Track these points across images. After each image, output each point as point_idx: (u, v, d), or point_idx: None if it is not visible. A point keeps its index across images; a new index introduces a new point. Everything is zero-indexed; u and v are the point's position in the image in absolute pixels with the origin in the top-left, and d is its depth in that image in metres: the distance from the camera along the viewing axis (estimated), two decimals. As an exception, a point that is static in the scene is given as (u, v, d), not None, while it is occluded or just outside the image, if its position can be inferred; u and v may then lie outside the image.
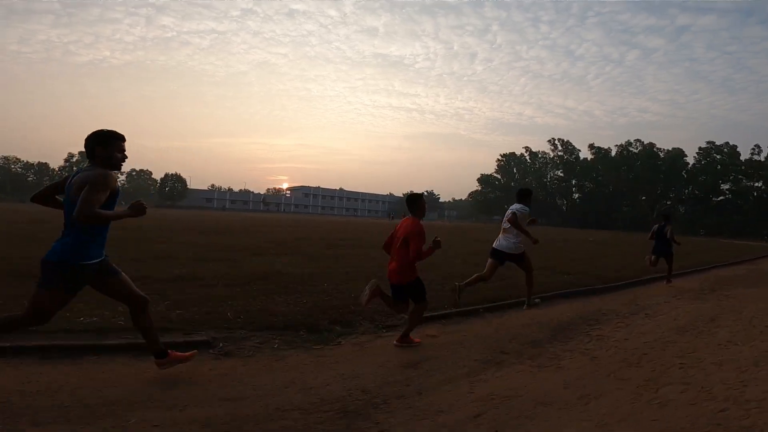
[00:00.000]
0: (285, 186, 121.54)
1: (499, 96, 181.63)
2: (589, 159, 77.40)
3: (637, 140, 69.87)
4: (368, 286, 4.12)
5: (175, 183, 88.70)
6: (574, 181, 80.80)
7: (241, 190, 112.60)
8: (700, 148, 67.74)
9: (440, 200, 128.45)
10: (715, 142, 66.22)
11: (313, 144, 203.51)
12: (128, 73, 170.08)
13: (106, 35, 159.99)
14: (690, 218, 65.01)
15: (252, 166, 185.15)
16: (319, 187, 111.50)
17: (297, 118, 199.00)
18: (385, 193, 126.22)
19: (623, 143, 71.13)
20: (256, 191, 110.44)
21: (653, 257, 9.07)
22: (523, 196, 5.64)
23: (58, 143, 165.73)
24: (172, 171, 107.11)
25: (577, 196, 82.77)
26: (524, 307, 5.60)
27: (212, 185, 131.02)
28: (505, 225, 5.46)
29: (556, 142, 79.86)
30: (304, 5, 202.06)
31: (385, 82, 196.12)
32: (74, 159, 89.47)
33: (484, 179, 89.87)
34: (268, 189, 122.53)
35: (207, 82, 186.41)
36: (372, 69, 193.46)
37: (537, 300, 5.87)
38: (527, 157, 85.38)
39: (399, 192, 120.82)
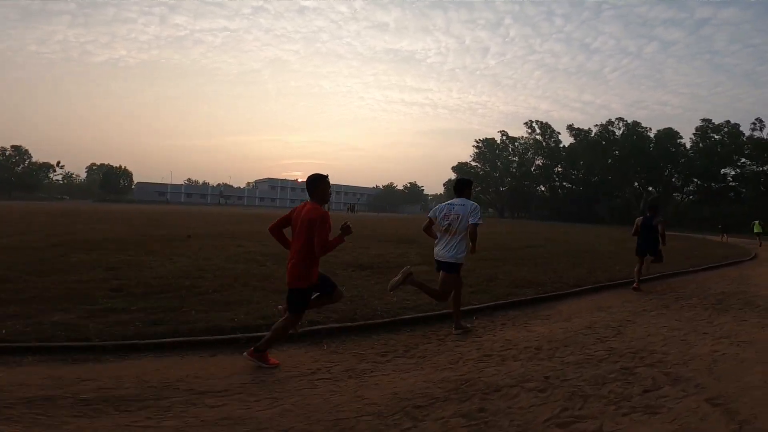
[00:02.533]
0: (299, 180, 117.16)
1: (513, 90, 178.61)
2: (567, 144, 68.24)
3: (620, 119, 60.25)
4: (402, 271, 4.19)
5: (119, 177, 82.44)
6: (558, 169, 71.97)
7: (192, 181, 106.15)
8: (697, 128, 58.05)
9: (424, 192, 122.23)
10: (712, 120, 56.36)
11: (326, 140, 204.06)
12: (144, 72, 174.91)
13: (122, 35, 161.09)
14: (682, 210, 55.87)
15: (269, 163, 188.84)
16: (286, 180, 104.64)
17: (310, 115, 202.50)
18: (371, 186, 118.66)
19: (604, 122, 61.45)
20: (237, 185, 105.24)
21: (641, 259, 7.66)
22: (465, 186, 4.75)
23: (78, 143, 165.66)
24: (189, 169, 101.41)
25: (557, 184, 73.86)
26: (453, 332, 4.64)
27: (189, 179, 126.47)
28: (450, 226, 4.50)
29: (534, 124, 70.74)
30: (314, 2, 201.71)
31: (397, 78, 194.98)
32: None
33: (459, 168, 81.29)
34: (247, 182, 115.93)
35: (221, 81, 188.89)
36: (384, 64, 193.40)
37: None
38: (506, 143, 76.17)
39: (401, 184, 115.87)
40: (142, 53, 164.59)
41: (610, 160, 59.72)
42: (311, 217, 3.32)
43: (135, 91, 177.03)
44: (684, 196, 61.02)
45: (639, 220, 7.94)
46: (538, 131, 70.91)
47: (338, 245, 3.44)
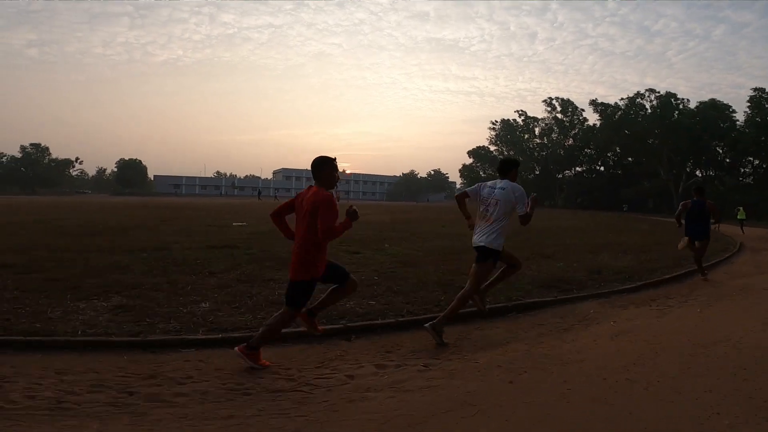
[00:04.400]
0: (348, 171, 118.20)
1: (565, 76, 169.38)
2: (592, 123, 60.59)
3: (650, 90, 51.85)
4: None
5: (136, 169, 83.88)
6: (587, 150, 64.66)
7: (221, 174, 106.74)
8: (750, 99, 48.66)
9: (449, 179, 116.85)
10: (766, 89, 46.94)
11: (371, 131, 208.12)
12: (199, 71, 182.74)
13: (177, 35, 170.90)
14: (726, 194, 47.49)
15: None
16: (302, 170, 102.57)
17: (355, 107, 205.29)
18: (391, 174, 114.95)
19: (632, 95, 53.22)
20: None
21: (687, 239, 7.48)
22: (510, 166, 4.20)
23: (130, 141, 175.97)
24: (245, 164, 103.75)
25: (584, 169, 66.52)
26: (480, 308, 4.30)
27: (217, 172, 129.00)
28: (489, 211, 4.01)
29: (554, 101, 63.39)
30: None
31: (441, 67, 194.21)
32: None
33: (475, 152, 75.44)
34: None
35: (268, 76, 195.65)
36: (426, 54, 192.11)
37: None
38: (528, 123, 69.32)
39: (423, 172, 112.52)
40: (197, 53, 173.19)
41: (649, 139, 51.76)
42: (315, 200, 3.05)
43: (191, 89, 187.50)
44: (742, 177, 52.04)
45: (687, 203, 7.65)
46: (559, 109, 63.50)
47: (345, 231, 3.16)
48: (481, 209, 4.06)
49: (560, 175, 69.47)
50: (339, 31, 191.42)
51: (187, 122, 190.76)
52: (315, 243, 3.09)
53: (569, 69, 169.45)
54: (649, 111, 51.63)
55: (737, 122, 49.92)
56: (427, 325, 3.87)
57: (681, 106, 50.76)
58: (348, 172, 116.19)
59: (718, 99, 50.10)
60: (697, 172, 53.34)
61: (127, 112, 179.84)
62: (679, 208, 7.71)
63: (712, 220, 7.63)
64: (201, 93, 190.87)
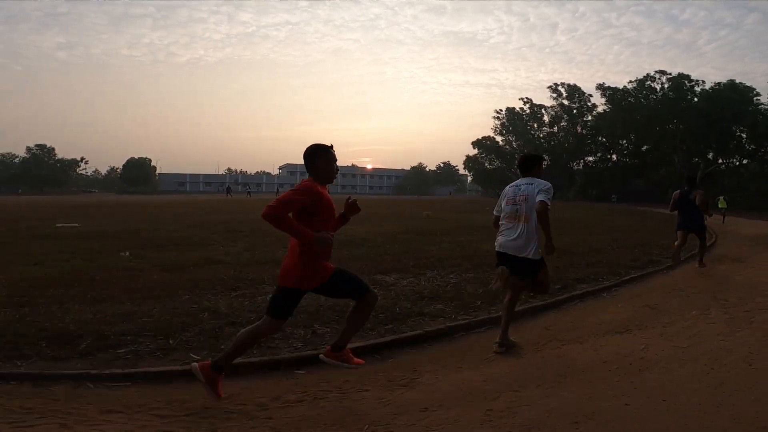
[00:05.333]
0: (369, 167, 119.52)
1: (589, 66, 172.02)
2: (601, 108, 56.32)
3: (660, 71, 47.29)
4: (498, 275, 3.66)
5: (142, 168, 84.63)
6: (601, 139, 60.46)
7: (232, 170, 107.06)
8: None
9: (459, 171, 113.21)
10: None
11: (390, 126, 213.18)
12: (221, 70, 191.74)
13: (198, 34, 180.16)
14: (747, 184, 42.99)
15: (338, 150, 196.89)
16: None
17: (374, 102, 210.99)
18: (398, 168, 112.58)
19: (642, 77, 48.76)
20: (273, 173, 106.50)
21: (680, 234, 7.28)
22: (532, 163, 3.83)
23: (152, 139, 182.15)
24: (261, 160, 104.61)
25: (595, 158, 62.44)
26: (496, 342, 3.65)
27: (228, 169, 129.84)
28: (514, 209, 3.67)
29: (560, 87, 59.39)
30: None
31: (459, 60, 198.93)
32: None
33: (480, 143, 72.03)
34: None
35: (287, 73, 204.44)
36: (444, 47, 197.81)
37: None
38: (527, 111, 65.56)
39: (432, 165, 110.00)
40: (218, 52, 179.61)
41: (648, 125, 47.61)
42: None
43: (213, 88, 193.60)
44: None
45: (676, 194, 7.45)
46: (565, 95, 59.47)
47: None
48: (508, 211, 3.72)
49: (575, 165, 65.39)
50: (356, 27, 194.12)
51: (202, 120, 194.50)
52: (302, 245, 2.62)
53: (593, 59, 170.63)
54: (660, 94, 47.19)
55: (761, 105, 45.07)
56: (496, 345, 3.61)
57: (697, 89, 46.10)
58: (369, 167, 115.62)
59: (740, 82, 45.18)
60: (720, 160, 48.65)
61: (148, 111, 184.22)
62: (672, 199, 7.56)
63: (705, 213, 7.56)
64: (222, 92, 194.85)
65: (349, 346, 2.92)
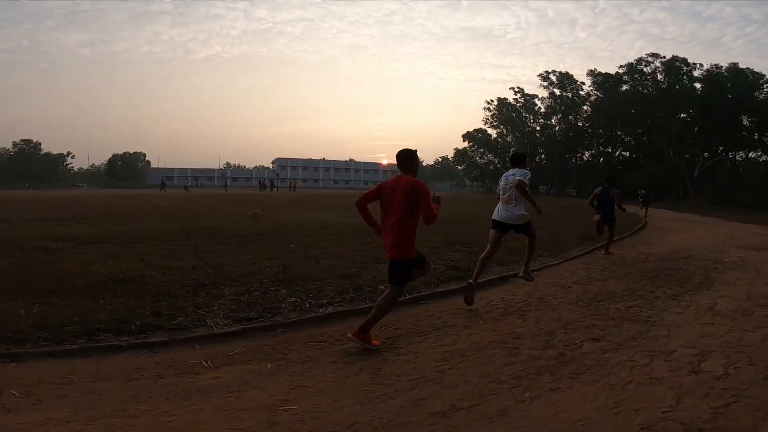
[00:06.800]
0: (385, 162, 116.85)
1: (610, 62, 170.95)
2: (593, 96, 52.18)
3: (653, 54, 42.79)
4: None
5: (130, 162, 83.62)
6: (599, 131, 56.33)
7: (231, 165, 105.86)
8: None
9: (459, 168, 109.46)
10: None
11: (405, 121, 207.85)
12: (237, 67, 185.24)
13: (216, 31, 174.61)
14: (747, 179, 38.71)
15: (352, 145, 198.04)
16: (297, 159, 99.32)
17: (388, 98, 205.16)
18: (387, 162, 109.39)
19: (633, 61, 44.44)
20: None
21: (599, 217, 9.01)
22: (519, 159, 5.47)
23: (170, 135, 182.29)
24: (281, 155, 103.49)
25: (593, 151, 58.50)
26: (519, 274, 5.67)
27: (227, 163, 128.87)
28: (506, 194, 5.23)
29: (551, 75, 55.35)
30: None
31: (475, 55, 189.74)
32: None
33: (470, 135, 68.35)
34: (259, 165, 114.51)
35: (303, 69, 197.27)
36: (460, 43, 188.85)
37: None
38: (519, 101, 61.67)
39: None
40: (234, 48, 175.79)
41: (632, 113, 43.58)
42: (414, 187, 3.48)
43: (229, 84, 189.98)
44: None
45: (598, 190, 9.18)
46: (556, 83, 55.47)
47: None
48: (504, 195, 5.18)
49: (573, 159, 61.37)
50: (371, 23, 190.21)
51: (216, 116, 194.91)
52: (413, 225, 3.53)
53: (615, 55, 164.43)
54: (649, 79, 43.00)
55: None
56: (519, 274, 5.67)
57: (694, 73, 41.85)
58: (384, 162, 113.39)
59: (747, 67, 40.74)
60: (732, 154, 44.15)
61: (164, 108, 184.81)
62: (593, 193, 9.29)
63: (621, 207, 9.28)
64: (237, 88, 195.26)
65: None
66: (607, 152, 58.08)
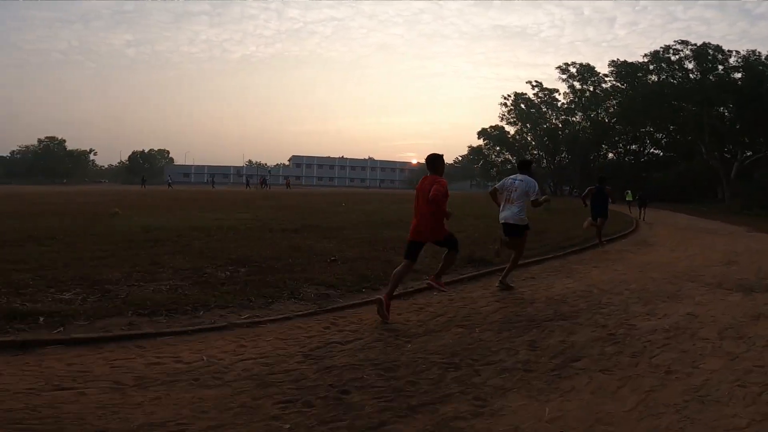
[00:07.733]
0: (414, 161, 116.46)
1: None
2: (616, 89, 47.48)
3: (682, 41, 37.78)
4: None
5: (148, 159, 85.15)
6: (628, 128, 51.52)
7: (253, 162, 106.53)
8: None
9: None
10: None
11: (435, 121, 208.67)
12: (272, 66, 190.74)
13: (250, 31, 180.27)
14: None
15: (383, 144, 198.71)
16: (313, 157, 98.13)
17: (419, 96, 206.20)
18: (404, 161, 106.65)
19: (660, 48, 39.53)
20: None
21: (590, 220, 9.72)
22: (526, 166, 6.02)
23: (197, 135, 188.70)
24: (304, 153, 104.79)
25: (619, 150, 53.72)
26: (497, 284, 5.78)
27: (249, 161, 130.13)
28: (511, 195, 5.70)
29: (570, 68, 50.95)
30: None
31: (508, 54, 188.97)
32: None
33: (485, 132, 64.56)
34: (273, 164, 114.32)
35: (335, 68, 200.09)
36: (493, 41, 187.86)
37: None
38: (539, 96, 57.45)
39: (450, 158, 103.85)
40: (269, 48, 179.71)
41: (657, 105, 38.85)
42: (435, 181, 4.37)
43: (263, 83, 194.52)
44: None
45: (592, 188, 9.98)
46: (576, 75, 51.05)
47: (444, 209, 4.51)
48: (505, 195, 5.70)
49: (599, 158, 56.53)
50: (400, 22, 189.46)
51: (247, 115, 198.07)
52: (441, 216, 4.51)
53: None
54: (678, 68, 38.14)
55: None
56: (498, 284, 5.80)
57: (730, 60, 36.84)
58: (415, 162, 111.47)
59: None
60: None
61: (199, 107, 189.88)
62: (585, 191, 10.12)
63: (609, 200, 10.13)
64: (276, 86, 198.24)
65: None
66: (633, 150, 53.21)
